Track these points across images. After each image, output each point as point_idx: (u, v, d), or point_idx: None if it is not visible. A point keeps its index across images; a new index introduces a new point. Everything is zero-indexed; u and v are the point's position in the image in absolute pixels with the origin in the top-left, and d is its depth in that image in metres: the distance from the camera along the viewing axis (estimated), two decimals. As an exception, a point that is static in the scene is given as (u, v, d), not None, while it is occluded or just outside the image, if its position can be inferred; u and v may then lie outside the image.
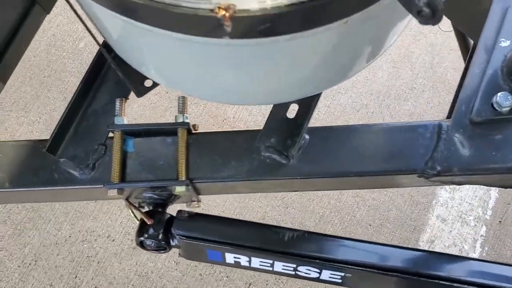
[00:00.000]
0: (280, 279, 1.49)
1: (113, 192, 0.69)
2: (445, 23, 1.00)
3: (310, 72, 0.56)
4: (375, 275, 0.69)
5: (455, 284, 0.68)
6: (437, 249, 1.52)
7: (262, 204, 1.57)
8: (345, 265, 0.69)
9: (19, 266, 1.53)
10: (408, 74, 1.71)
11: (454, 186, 1.56)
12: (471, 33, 0.85)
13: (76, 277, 1.52)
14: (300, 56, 0.51)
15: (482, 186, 1.54)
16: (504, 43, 0.72)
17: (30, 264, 1.53)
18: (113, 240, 1.55)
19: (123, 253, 1.54)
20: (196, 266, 1.52)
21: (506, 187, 0.77)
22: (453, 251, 1.50)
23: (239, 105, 0.71)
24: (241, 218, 1.57)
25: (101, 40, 0.73)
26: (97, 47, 0.74)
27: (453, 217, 1.52)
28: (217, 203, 1.59)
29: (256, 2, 0.40)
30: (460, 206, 1.53)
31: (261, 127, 0.72)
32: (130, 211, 0.78)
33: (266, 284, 1.50)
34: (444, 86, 1.67)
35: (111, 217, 1.58)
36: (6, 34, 0.73)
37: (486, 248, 1.50)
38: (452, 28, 1.14)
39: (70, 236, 1.56)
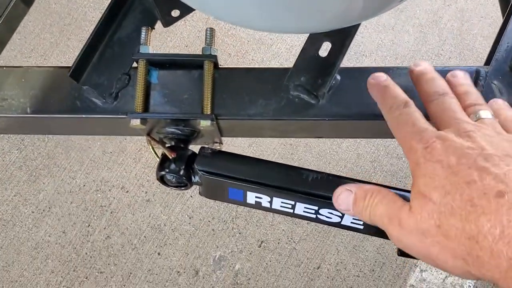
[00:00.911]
0: (292, 238, 1.49)
1: (135, 122, 0.68)
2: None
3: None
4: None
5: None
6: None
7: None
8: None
9: (33, 212, 1.54)
10: (435, 39, 1.66)
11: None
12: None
13: (89, 225, 1.52)
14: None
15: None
16: (552, -12, 0.69)
17: (44, 210, 1.54)
18: (127, 191, 1.55)
19: (137, 204, 1.54)
20: (209, 221, 1.52)
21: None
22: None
23: (272, 32, 0.68)
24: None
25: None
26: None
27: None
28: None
29: None
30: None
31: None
32: (150, 147, 0.77)
33: (278, 243, 1.49)
34: (472, 54, 1.62)
35: (126, 168, 1.58)
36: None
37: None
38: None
39: (84, 185, 1.56)
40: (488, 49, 0.75)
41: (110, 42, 0.72)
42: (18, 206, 1.53)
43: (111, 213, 1.53)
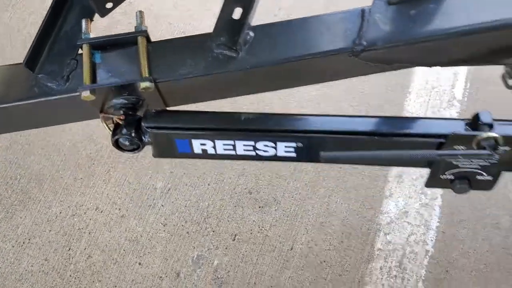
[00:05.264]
0: (263, 226, 1.58)
1: (86, 93, 0.79)
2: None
3: None
4: (323, 139, 0.80)
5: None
6: (405, 182, 1.63)
7: (240, 162, 1.67)
8: (295, 134, 0.79)
9: (13, 246, 1.60)
10: None
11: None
12: None
13: (69, 249, 1.59)
14: None
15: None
16: None
17: (24, 243, 1.60)
18: (102, 211, 1.63)
19: (112, 222, 1.62)
20: (182, 225, 1.60)
21: (427, 65, 0.89)
22: (420, 182, 1.61)
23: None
24: (221, 177, 1.67)
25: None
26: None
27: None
28: (197, 166, 1.68)
29: None
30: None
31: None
32: (104, 124, 0.88)
33: (251, 233, 1.58)
34: None
35: (98, 190, 1.66)
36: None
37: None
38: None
39: (60, 212, 1.63)
40: None
41: (57, 36, 0.85)
42: (-2, 243, 1.59)
43: (89, 233, 1.60)
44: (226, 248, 1.57)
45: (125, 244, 1.59)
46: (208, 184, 1.66)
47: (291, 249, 1.56)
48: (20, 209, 1.64)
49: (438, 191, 1.60)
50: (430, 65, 0.89)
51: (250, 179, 1.66)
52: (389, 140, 0.79)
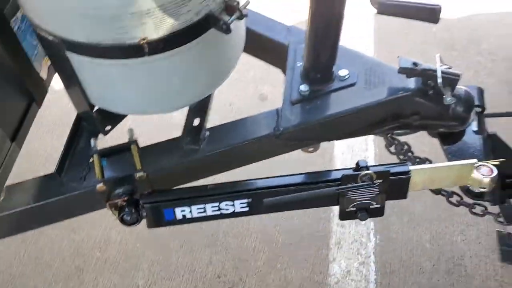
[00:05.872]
0: (236, 300, 1.86)
1: (99, 185, 1.16)
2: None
3: (183, 83, 1.12)
4: (264, 193, 1.18)
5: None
6: (344, 247, 1.99)
7: (207, 253, 2.00)
8: (246, 192, 1.18)
9: None
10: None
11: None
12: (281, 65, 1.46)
13: None
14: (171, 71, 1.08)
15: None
16: (298, 63, 1.34)
17: None
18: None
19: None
20: (165, 313, 1.86)
21: (325, 140, 1.33)
22: (355, 245, 1.99)
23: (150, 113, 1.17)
24: (192, 268, 1.97)
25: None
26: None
27: (348, 221, 2.03)
28: (171, 262, 1.98)
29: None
30: (350, 212, 2.05)
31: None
32: (111, 211, 1.23)
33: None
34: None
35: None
36: (20, 117, 1.23)
37: (378, 236, 2.00)
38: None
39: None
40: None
41: (75, 151, 1.24)
42: None
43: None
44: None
45: None
46: (182, 276, 1.95)
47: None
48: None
49: (371, 251, 1.98)
50: (326, 140, 1.34)
51: (217, 265, 1.97)
52: (305, 187, 1.19)
